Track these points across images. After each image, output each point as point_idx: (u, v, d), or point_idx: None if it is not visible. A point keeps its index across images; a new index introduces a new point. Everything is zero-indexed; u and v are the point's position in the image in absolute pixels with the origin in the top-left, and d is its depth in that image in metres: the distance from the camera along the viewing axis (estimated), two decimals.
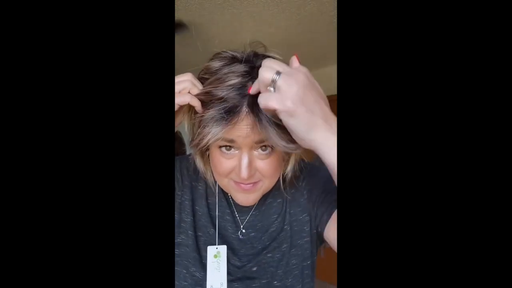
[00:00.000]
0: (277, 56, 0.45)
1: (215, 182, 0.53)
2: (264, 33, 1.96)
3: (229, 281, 0.50)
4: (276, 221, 0.54)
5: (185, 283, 0.50)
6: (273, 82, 0.34)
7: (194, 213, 0.54)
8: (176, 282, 0.50)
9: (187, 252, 0.51)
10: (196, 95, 0.41)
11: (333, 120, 0.35)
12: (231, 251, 0.52)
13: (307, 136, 0.34)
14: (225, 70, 0.41)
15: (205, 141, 0.41)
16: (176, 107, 0.41)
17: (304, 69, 0.36)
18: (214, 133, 0.40)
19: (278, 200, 0.55)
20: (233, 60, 0.43)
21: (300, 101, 0.33)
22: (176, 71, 0.36)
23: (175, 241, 0.52)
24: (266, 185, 0.48)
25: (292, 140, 0.38)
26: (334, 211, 0.49)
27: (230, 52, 0.44)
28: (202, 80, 0.44)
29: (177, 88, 0.41)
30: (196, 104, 0.41)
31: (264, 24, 1.85)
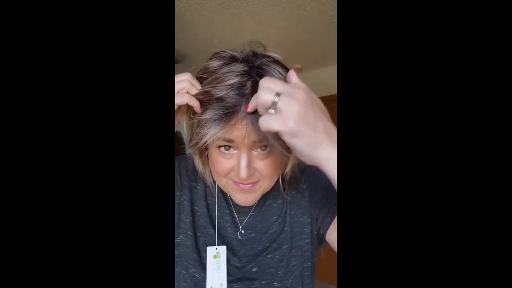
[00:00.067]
0: (277, 56, 0.44)
1: (214, 182, 0.53)
2: (264, 33, 1.96)
3: (229, 282, 0.50)
4: (276, 222, 0.54)
5: (184, 283, 0.50)
6: (273, 104, 0.33)
7: (193, 214, 0.54)
8: (176, 283, 0.50)
9: (187, 253, 0.51)
10: (195, 95, 0.41)
11: (336, 133, 0.34)
12: (230, 252, 0.52)
13: (311, 154, 0.34)
14: (224, 70, 0.41)
15: (203, 141, 0.40)
16: (175, 107, 0.41)
17: (302, 85, 0.35)
18: (212, 133, 0.39)
19: (278, 201, 0.55)
20: (232, 59, 0.43)
21: (302, 120, 0.32)
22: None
23: (175, 241, 0.52)
24: (265, 185, 0.47)
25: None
26: (336, 214, 0.48)
27: (229, 52, 0.44)
28: (200, 79, 0.44)
29: (176, 88, 0.41)
30: (195, 104, 0.41)
31: (264, 24, 1.85)
